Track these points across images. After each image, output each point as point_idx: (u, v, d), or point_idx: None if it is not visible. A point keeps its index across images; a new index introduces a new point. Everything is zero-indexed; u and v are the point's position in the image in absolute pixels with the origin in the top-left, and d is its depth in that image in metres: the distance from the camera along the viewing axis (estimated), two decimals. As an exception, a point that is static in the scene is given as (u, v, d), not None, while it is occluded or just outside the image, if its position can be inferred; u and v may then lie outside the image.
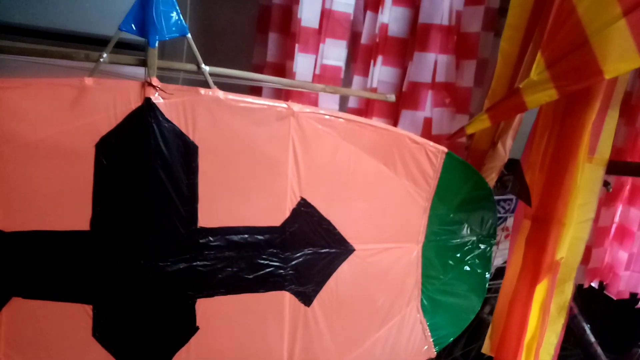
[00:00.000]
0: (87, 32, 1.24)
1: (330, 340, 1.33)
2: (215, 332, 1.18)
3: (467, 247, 1.58)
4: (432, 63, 1.59)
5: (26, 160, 1.03)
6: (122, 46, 1.09)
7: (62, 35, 1.23)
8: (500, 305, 1.58)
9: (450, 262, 1.57)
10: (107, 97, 1.05)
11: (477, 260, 1.60)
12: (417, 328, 1.49)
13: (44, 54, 1.09)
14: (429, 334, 1.50)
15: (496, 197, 1.75)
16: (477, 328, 2.22)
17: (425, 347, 1.50)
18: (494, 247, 1.65)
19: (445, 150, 1.41)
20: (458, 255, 1.57)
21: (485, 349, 1.62)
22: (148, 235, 1.09)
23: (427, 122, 1.65)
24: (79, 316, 1.08)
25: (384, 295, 1.43)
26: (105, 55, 1.06)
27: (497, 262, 1.94)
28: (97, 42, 1.18)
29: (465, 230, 1.57)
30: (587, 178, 1.42)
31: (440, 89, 1.64)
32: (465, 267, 1.58)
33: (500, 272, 1.93)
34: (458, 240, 1.57)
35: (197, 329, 1.16)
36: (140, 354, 1.13)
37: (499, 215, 1.91)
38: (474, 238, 1.58)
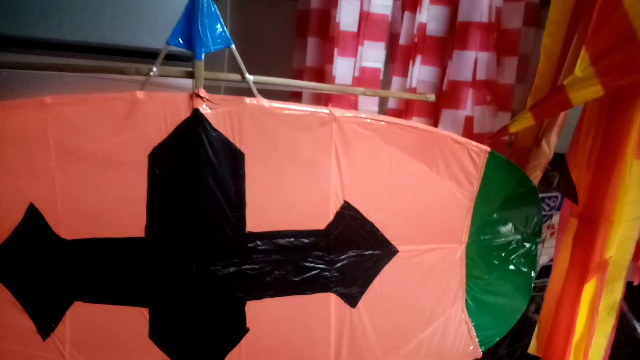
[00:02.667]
0: (135, 45, 1.29)
1: (376, 340, 1.35)
2: (265, 333, 1.22)
3: (511, 246, 1.56)
4: (472, 61, 1.58)
5: (84, 172, 1.10)
6: (169, 58, 1.13)
7: (111, 50, 1.29)
8: (547, 304, 1.56)
9: (495, 261, 1.55)
10: (158, 110, 1.10)
11: (522, 259, 1.58)
12: (463, 328, 1.49)
13: (98, 69, 1.15)
14: (475, 334, 1.50)
15: (541, 195, 1.72)
16: (522, 326, 2.19)
17: (471, 347, 1.50)
18: (539, 246, 1.62)
19: (488, 149, 1.40)
20: (503, 254, 1.56)
21: (532, 348, 1.60)
22: (199, 241, 1.14)
23: (469, 121, 1.64)
24: (136, 319, 1.15)
25: (428, 295, 1.43)
26: (154, 69, 1.11)
27: (542, 260, 1.91)
28: (144, 55, 1.23)
29: (510, 229, 1.55)
30: (636, 175, 1.38)
31: (481, 87, 1.63)
32: (510, 266, 1.57)
33: (545, 271, 1.89)
34: (502, 239, 1.55)
35: (247, 330, 1.20)
36: (194, 354, 1.18)
37: (544, 212, 1.87)
38: (519, 237, 1.56)
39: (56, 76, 1.15)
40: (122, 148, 1.10)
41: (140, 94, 1.09)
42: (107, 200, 1.11)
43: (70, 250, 1.11)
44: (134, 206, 1.12)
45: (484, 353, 1.86)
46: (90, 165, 1.10)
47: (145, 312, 1.15)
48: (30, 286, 1.11)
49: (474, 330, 1.50)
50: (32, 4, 1.23)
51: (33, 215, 1.09)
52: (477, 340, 1.50)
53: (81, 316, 1.13)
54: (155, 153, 1.11)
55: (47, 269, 1.12)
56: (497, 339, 1.55)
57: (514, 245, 1.57)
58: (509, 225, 1.55)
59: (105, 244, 1.12)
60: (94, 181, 1.11)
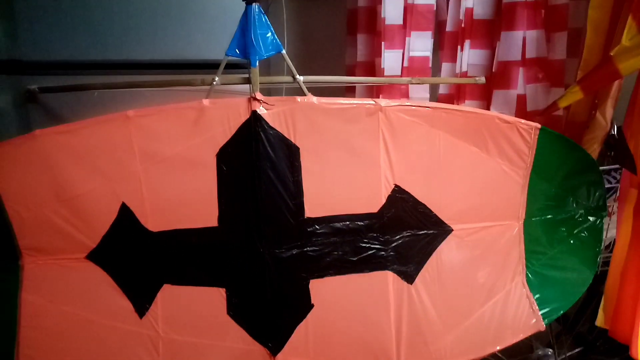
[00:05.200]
0: (198, 59, 1.44)
1: (436, 315, 1.40)
2: (329, 309, 1.33)
3: (574, 221, 1.56)
4: (520, 40, 1.60)
5: (164, 173, 1.27)
6: (229, 67, 1.27)
7: (179, 65, 1.45)
8: (611, 276, 1.54)
9: (557, 236, 1.55)
10: (222, 114, 1.25)
11: (586, 233, 1.56)
12: (524, 302, 1.51)
13: (170, 83, 1.33)
14: (537, 307, 1.51)
15: (607, 167, 1.70)
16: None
17: (534, 321, 1.51)
18: (606, 219, 1.60)
19: (539, 125, 1.41)
20: (564, 229, 1.55)
21: (600, 321, 1.59)
22: (264, 227, 1.28)
23: (521, 100, 1.66)
24: (215, 298, 1.30)
25: (487, 271, 1.47)
26: (217, 78, 1.26)
27: (611, 233, 1.87)
28: (207, 67, 1.37)
29: (571, 204, 1.54)
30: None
31: (532, 65, 1.63)
32: (574, 240, 1.56)
33: (617, 244, 1.85)
34: (563, 214, 1.55)
35: (312, 306, 1.32)
36: (267, 329, 1.31)
37: (611, 185, 1.83)
38: (582, 211, 1.55)
39: (136, 92, 1.33)
40: (194, 150, 1.26)
41: (206, 102, 1.24)
42: (185, 195, 1.27)
43: (157, 241, 1.28)
44: (207, 199, 1.27)
45: (563, 329, 1.86)
46: (169, 166, 1.26)
47: (222, 291, 1.29)
48: (127, 272, 1.29)
49: (536, 304, 1.52)
50: (114, 32, 1.42)
51: (125, 212, 1.27)
52: (539, 313, 1.52)
53: (170, 297, 1.30)
54: (222, 152, 1.26)
55: (139, 257, 1.29)
56: (562, 312, 1.56)
57: (578, 220, 1.56)
58: (570, 200, 1.54)
59: (185, 233, 1.28)
60: (173, 180, 1.27)
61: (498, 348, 1.46)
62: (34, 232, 1.27)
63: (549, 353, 1.90)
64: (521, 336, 1.47)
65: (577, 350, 2.00)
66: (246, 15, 1.24)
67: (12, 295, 1.28)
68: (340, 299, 1.34)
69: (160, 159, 1.26)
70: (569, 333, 2.06)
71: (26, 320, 1.27)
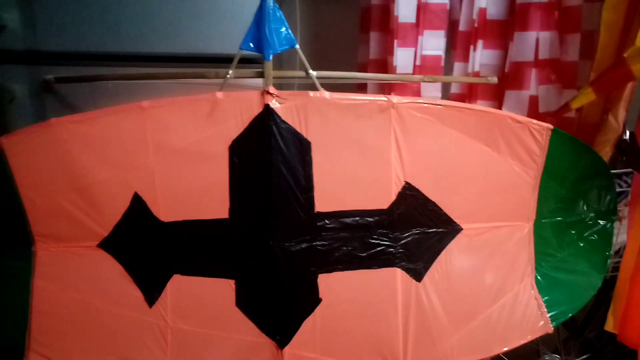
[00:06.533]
0: (212, 53, 1.45)
1: (443, 313, 1.40)
2: (337, 304, 1.33)
3: (584, 224, 1.55)
4: (533, 41, 1.59)
5: (177, 164, 1.28)
6: (242, 61, 1.28)
7: (193, 58, 1.46)
8: (621, 281, 1.53)
9: (566, 238, 1.54)
10: (235, 107, 1.26)
11: (596, 237, 1.55)
12: (532, 304, 1.50)
13: (184, 75, 1.34)
14: (545, 310, 1.51)
15: (619, 171, 1.69)
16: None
17: (542, 323, 1.51)
18: (616, 223, 1.59)
19: (551, 127, 1.41)
20: (574, 232, 1.55)
21: (609, 325, 1.58)
22: (274, 220, 1.28)
23: (533, 101, 1.65)
24: (224, 289, 1.30)
25: (495, 271, 1.47)
26: (230, 72, 1.27)
27: (622, 238, 1.86)
28: (221, 60, 1.38)
29: (582, 207, 1.54)
30: None
31: (545, 66, 1.63)
32: (583, 243, 1.55)
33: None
34: (573, 217, 1.54)
35: (320, 300, 1.32)
36: (275, 321, 1.32)
37: (621, 189, 1.82)
38: (592, 214, 1.54)
39: (150, 84, 1.34)
40: (206, 142, 1.27)
41: (219, 94, 1.25)
42: (197, 187, 1.28)
43: (168, 231, 1.29)
44: (218, 191, 1.28)
45: (569, 335, 1.85)
46: (182, 157, 1.27)
47: (231, 283, 1.30)
48: (137, 261, 1.30)
49: (544, 307, 1.51)
50: (130, 25, 1.43)
51: (137, 202, 1.28)
52: (547, 316, 1.51)
53: (179, 287, 1.31)
54: (234, 145, 1.27)
55: (150, 246, 1.30)
56: (570, 315, 1.55)
57: (588, 223, 1.55)
58: (581, 203, 1.54)
59: (196, 224, 1.29)
60: (185, 171, 1.28)
61: (505, 349, 1.45)
62: (47, 219, 1.28)
63: (556, 359, 1.89)
64: (529, 338, 1.46)
65: (584, 356, 1.98)
66: (261, 10, 1.25)
67: (25, 281, 1.29)
68: (348, 294, 1.34)
69: (173, 150, 1.27)
70: (576, 339, 2.05)
71: (38, 306, 1.29)
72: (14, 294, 1.30)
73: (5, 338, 1.33)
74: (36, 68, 1.43)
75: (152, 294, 1.31)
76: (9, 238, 1.31)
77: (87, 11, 1.42)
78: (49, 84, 1.44)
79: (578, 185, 1.52)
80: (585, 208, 1.54)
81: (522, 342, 1.46)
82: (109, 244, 1.30)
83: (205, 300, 1.31)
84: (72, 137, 1.25)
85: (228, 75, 1.27)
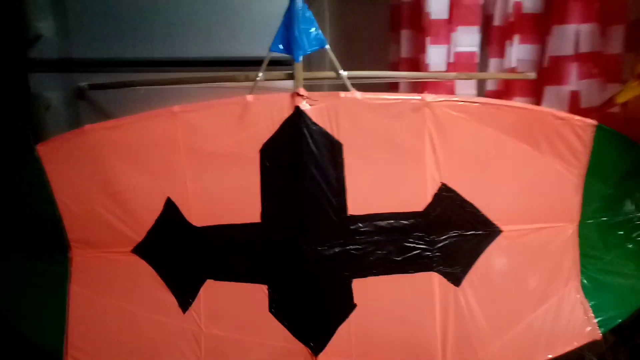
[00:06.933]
0: (242, 56, 1.44)
1: (484, 319, 1.35)
2: (372, 309, 1.30)
3: (632, 224, 1.47)
4: (572, 35, 1.53)
5: (209, 168, 1.28)
6: (272, 63, 1.27)
7: (223, 62, 1.46)
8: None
9: (613, 240, 1.47)
10: (265, 110, 1.24)
11: (646, 238, 1.48)
12: (578, 309, 1.44)
13: (214, 79, 1.34)
14: (592, 315, 1.44)
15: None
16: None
17: (589, 329, 1.44)
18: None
19: (595, 123, 1.34)
20: (622, 232, 1.47)
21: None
22: (307, 224, 1.26)
23: (574, 96, 1.58)
24: (257, 295, 1.29)
25: (538, 275, 1.41)
26: (260, 74, 1.26)
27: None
28: (250, 63, 1.36)
29: (629, 206, 1.46)
30: None
31: (586, 60, 1.56)
32: (632, 244, 1.47)
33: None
34: (620, 217, 1.47)
35: (354, 305, 1.29)
36: (308, 327, 1.30)
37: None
38: (642, 214, 1.48)
39: (181, 88, 1.35)
40: (238, 145, 1.26)
41: (250, 98, 1.24)
42: (228, 191, 1.28)
43: (200, 236, 1.29)
44: (250, 195, 1.27)
45: (617, 341, 1.76)
46: (213, 162, 1.27)
47: (264, 288, 1.29)
48: (171, 266, 1.31)
49: (591, 312, 1.44)
50: (160, 31, 1.44)
51: (170, 207, 1.29)
52: (595, 321, 1.44)
53: (212, 292, 1.30)
54: (266, 148, 1.25)
55: (183, 251, 1.31)
56: (619, 321, 1.48)
57: (636, 223, 1.47)
58: (628, 202, 1.46)
59: (228, 229, 1.29)
60: (217, 176, 1.28)
61: (550, 357, 1.39)
62: (83, 225, 1.30)
63: (602, 365, 1.80)
64: (575, 344, 1.40)
65: (633, 363, 1.89)
66: (290, 11, 1.23)
67: (62, 287, 1.31)
68: (383, 300, 1.31)
69: (205, 154, 1.27)
70: (625, 345, 1.96)
71: (75, 312, 1.31)
72: (52, 300, 1.32)
73: (44, 343, 1.35)
74: (70, 75, 1.46)
75: (185, 299, 1.31)
76: (46, 244, 1.34)
77: (118, 19, 1.44)
78: (82, 91, 1.46)
79: (624, 183, 1.44)
80: (632, 207, 1.46)
81: (568, 349, 1.39)
82: (142, 250, 1.31)
83: (238, 305, 1.30)
84: (106, 143, 1.27)
85: (258, 78, 1.26)
